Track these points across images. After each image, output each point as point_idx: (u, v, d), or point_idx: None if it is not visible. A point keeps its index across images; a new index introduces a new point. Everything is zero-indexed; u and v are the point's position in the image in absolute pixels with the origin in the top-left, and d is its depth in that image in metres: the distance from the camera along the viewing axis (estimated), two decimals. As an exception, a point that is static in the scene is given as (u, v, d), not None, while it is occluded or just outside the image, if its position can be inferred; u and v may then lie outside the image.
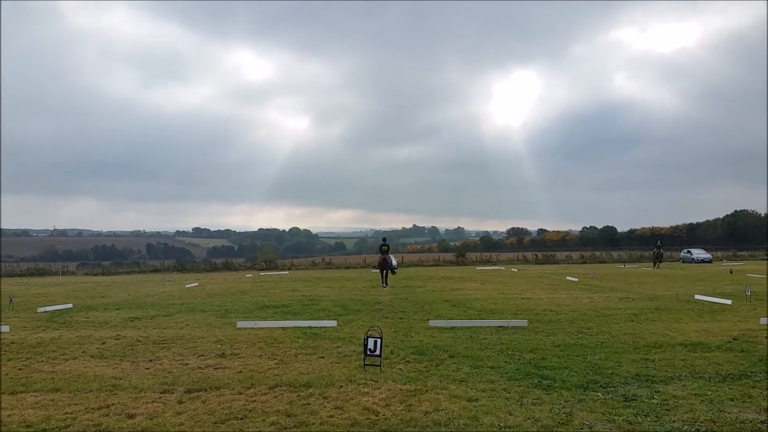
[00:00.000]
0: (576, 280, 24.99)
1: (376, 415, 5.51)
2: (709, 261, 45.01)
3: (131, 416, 5.63)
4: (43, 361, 8.65)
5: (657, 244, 39.44)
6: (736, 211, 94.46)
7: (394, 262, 27.27)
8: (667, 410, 5.55)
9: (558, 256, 52.67)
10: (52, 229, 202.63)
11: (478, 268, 41.00)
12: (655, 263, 38.41)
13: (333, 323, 11.81)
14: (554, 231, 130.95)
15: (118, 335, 11.08)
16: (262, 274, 38.06)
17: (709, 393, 6.13)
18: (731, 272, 28.43)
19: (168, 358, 8.74)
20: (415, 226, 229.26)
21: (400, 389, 6.47)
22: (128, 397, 6.37)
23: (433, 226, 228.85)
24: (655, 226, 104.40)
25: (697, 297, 16.07)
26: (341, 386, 6.67)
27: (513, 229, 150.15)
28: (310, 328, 11.39)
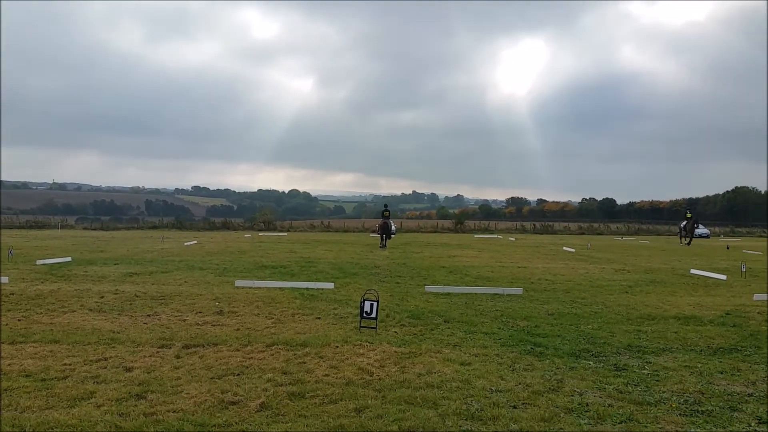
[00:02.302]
0: (573, 250, 25.10)
1: (371, 375, 5.59)
2: (707, 236, 45.08)
3: (129, 369, 5.71)
4: (42, 313, 8.73)
5: (687, 216, 33.48)
6: (736, 187, 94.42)
7: (393, 228, 27.38)
8: (657, 381, 5.64)
9: (556, 226, 52.85)
10: (51, 182, 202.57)
11: (476, 236, 41.13)
12: (684, 237, 32.95)
13: (330, 285, 11.89)
14: (553, 201, 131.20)
15: (116, 290, 11.17)
16: (260, 234, 38.18)
17: (699, 365, 6.22)
18: (728, 248, 28.56)
19: (166, 313, 8.83)
20: (414, 192, 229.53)
21: (395, 351, 6.56)
22: (126, 351, 6.46)
23: (432, 193, 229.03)
24: (654, 199, 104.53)
25: (692, 271, 16.17)
26: (337, 347, 6.76)
27: (512, 198, 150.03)
28: (307, 289, 11.48)
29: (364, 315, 7.65)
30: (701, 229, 47.14)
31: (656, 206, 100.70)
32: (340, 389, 5.16)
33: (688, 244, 31.97)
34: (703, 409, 4.85)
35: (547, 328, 8.05)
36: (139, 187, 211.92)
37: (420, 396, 4.99)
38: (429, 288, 11.67)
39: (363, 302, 7.67)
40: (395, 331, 7.72)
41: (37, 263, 15.91)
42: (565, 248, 26.53)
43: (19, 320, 8.16)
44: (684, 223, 33.37)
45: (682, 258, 22.16)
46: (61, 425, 4.26)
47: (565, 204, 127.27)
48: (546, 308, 9.75)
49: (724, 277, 14.49)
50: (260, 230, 43.95)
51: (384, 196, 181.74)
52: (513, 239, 36.12)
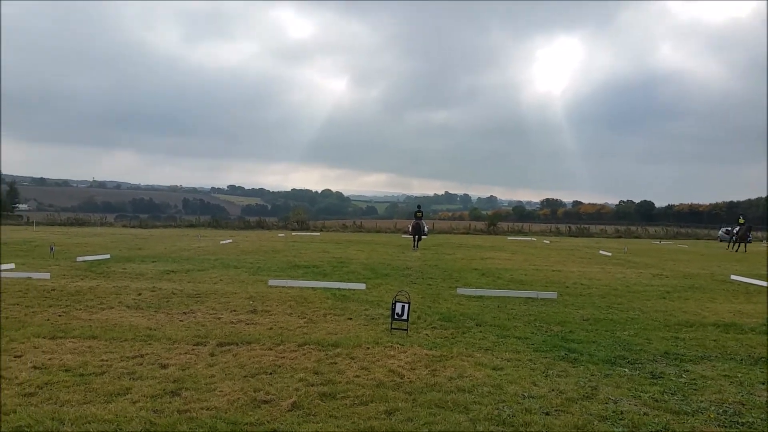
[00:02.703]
0: (609, 254, 24.66)
1: (401, 378, 5.59)
2: (749, 241, 43.73)
3: (164, 366, 5.82)
4: (81, 309, 8.97)
5: (740, 221, 31.16)
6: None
7: (426, 229, 27.35)
8: (695, 390, 5.49)
9: (592, 229, 51.93)
10: (91, 180, 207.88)
11: (509, 238, 40.74)
12: (735, 244, 30.90)
13: (362, 286, 11.93)
14: (590, 203, 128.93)
15: (153, 287, 11.39)
16: (293, 234, 38.50)
17: (739, 375, 6.05)
18: (771, 254, 27.68)
19: (201, 311, 8.98)
20: (447, 193, 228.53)
21: (426, 354, 6.54)
22: (162, 348, 6.58)
23: (465, 194, 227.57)
24: (693, 202, 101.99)
25: (732, 277, 15.72)
26: (368, 348, 6.77)
27: (547, 200, 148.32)
28: (339, 289, 11.54)
29: (396, 317, 7.65)
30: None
31: (695, 209, 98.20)
32: (371, 391, 5.17)
33: (742, 250, 29.83)
34: (743, 420, 4.71)
35: (581, 334, 7.92)
36: (176, 185, 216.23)
37: (451, 400, 4.96)
38: (461, 290, 11.60)
39: (394, 303, 7.66)
40: (426, 334, 7.70)
41: (78, 260, 16.33)
42: (601, 252, 26.08)
43: (59, 316, 8.40)
44: (737, 228, 31.13)
45: (722, 263, 21.57)
46: (98, 420, 4.37)
47: (602, 206, 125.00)
48: (581, 313, 9.60)
49: (766, 283, 14.04)
50: (293, 230, 44.34)
51: (416, 197, 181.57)
52: (547, 242, 35.67)
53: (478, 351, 6.79)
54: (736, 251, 29.57)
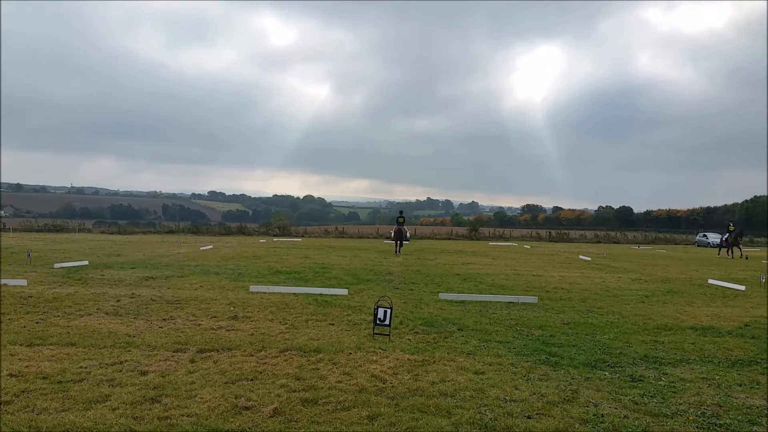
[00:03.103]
0: (589, 259, 24.90)
1: (384, 383, 5.58)
2: (739, 245, 44.26)
3: (144, 373, 5.75)
4: (59, 316, 8.83)
5: (729, 228, 30.58)
6: (755, 196, 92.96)
7: (408, 234, 27.44)
8: (674, 392, 5.56)
9: (572, 234, 52.42)
10: (69, 186, 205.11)
11: (490, 243, 40.96)
12: (728, 250, 30.42)
13: (344, 291, 11.90)
14: (569, 209, 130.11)
15: (132, 294, 11.26)
16: (275, 240, 38.32)
17: (717, 377, 6.13)
18: (746, 258, 28.17)
19: (181, 318, 8.89)
20: (429, 198, 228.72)
21: (408, 359, 6.54)
22: (141, 355, 6.50)
23: (447, 200, 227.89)
24: (672, 208, 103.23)
25: (710, 282, 15.96)
26: (350, 353, 6.75)
27: (528, 205, 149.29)
28: (321, 295, 11.50)
29: (378, 322, 7.64)
30: (719, 239, 46.48)
31: (674, 215, 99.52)
32: (353, 396, 5.16)
33: (740, 256, 29.60)
34: (720, 422, 4.78)
35: (562, 338, 7.98)
36: (156, 191, 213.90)
37: (433, 404, 4.96)
38: (443, 295, 11.63)
39: (377, 309, 7.66)
40: (409, 339, 7.70)
41: (55, 266, 16.09)
42: (581, 257, 26.32)
43: (36, 323, 8.26)
44: (726, 235, 30.83)
45: (700, 268, 21.89)
46: (77, 427, 4.30)
47: (581, 212, 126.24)
48: (561, 317, 9.68)
49: (743, 287, 14.28)
50: (275, 235, 44.13)
51: (398, 203, 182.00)
52: (528, 247, 35.91)
53: (460, 355, 6.81)
54: (732, 257, 29.40)
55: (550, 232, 52.74)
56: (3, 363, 6.02)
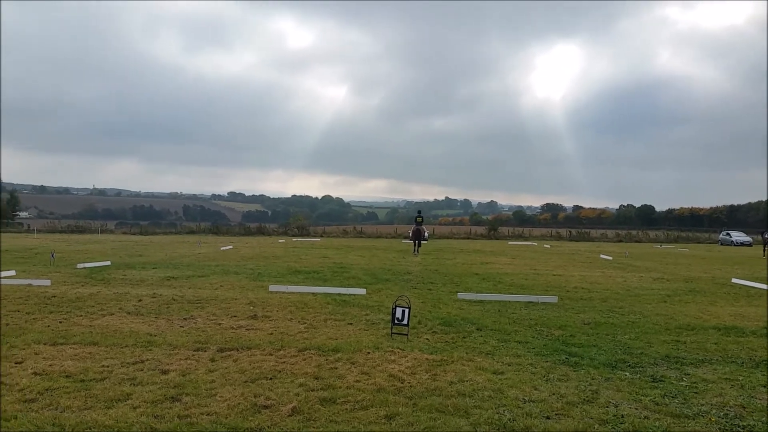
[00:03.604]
0: (610, 258, 24.65)
1: (402, 383, 5.58)
2: (749, 244, 43.66)
3: (165, 372, 5.82)
4: (81, 316, 8.97)
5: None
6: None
7: (426, 234, 27.43)
8: (696, 393, 5.49)
9: (593, 233, 51.94)
10: (92, 188, 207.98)
11: (510, 242, 40.74)
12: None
13: (362, 291, 11.93)
14: (590, 208, 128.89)
15: (154, 293, 11.39)
16: (294, 240, 38.52)
17: (740, 378, 6.04)
18: (772, 257, 27.63)
19: (202, 317, 8.98)
20: (447, 198, 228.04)
21: (426, 359, 6.54)
22: (162, 354, 6.58)
23: (465, 199, 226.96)
24: (694, 206, 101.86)
25: (734, 281, 15.71)
26: (368, 353, 6.76)
27: (547, 204, 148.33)
28: (339, 295, 11.54)
29: (396, 321, 7.65)
30: (743, 237, 45.77)
31: (696, 213, 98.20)
32: (371, 396, 5.16)
33: None
34: (744, 423, 4.70)
35: (582, 338, 7.91)
36: (177, 192, 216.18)
37: (451, 404, 4.95)
38: (462, 295, 11.60)
39: (395, 308, 7.66)
40: (427, 338, 7.69)
41: (78, 267, 16.35)
42: (602, 256, 26.07)
43: (60, 322, 8.40)
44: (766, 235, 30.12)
45: (723, 267, 21.55)
46: (99, 425, 4.36)
47: (602, 211, 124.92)
48: (582, 317, 9.60)
49: (766, 287, 14.03)
50: (294, 235, 44.36)
51: (416, 202, 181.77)
52: (548, 246, 35.65)
53: (479, 355, 6.79)
54: None
55: (570, 231, 52.33)
56: (27, 362, 6.14)
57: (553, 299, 11.27)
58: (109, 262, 17.90)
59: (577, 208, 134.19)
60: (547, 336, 8.01)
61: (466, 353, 6.87)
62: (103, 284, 12.81)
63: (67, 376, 5.62)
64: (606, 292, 13.02)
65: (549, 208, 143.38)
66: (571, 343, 7.58)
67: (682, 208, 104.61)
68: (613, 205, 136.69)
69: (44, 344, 6.94)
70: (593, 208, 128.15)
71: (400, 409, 4.83)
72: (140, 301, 10.49)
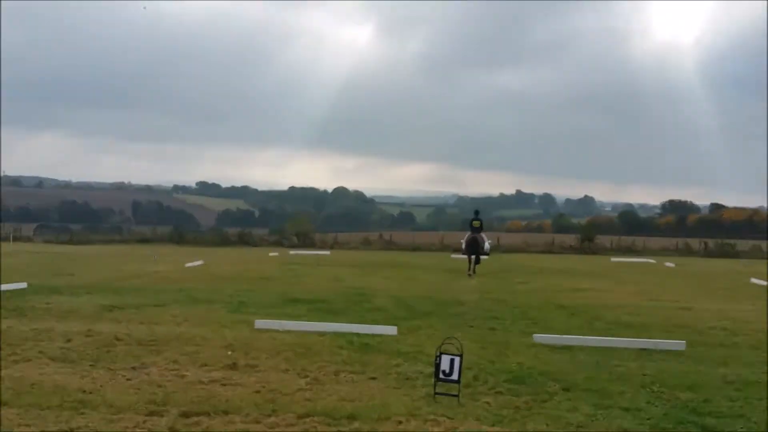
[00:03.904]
0: (765, 283, 24.27)
1: (450, 468, 5.59)
2: None
3: (104, 446, 5.90)
4: (-15, 362, 9.13)
5: None
6: None
7: (487, 245, 27.22)
8: None
9: (740, 246, 51.18)
10: (1, 175, 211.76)
11: (613, 259, 40.40)
12: None
13: (392, 330, 11.94)
14: (736, 207, 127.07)
15: (89, 330, 11.55)
16: (292, 252, 38.74)
17: None
18: None
19: (158, 366, 9.08)
20: (519, 192, 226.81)
21: (488, 432, 6.53)
22: (101, 419, 6.67)
23: (546, 194, 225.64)
24: None
25: None
26: (400, 422, 6.78)
27: (671, 202, 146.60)
28: (358, 335, 11.56)
29: (442, 376, 7.64)
30: None
31: None
32: (405, 486, 5.17)
33: None
34: None
35: (723, 404, 7.82)
36: (123, 182, 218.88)
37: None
38: (539, 338, 11.55)
39: (440, 356, 7.66)
40: (487, 402, 7.68)
41: (-19, 290, 16.60)
42: (753, 280, 25.68)
43: (-46, 371, 8.55)
44: None
45: None
46: None
47: (754, 212, 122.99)
48: (722, 372, 9.48)
49: None
50: (292, 246, 44.60)
51: (473, 198, 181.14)
52: (672, 265, 35.28)
53: (566, 428, 6.75)
54: None
55: (705, 243, 51.63)
56: None
57: (680, 345, 11.15)
58: (25, 284, 18.13)
59: (716, 207, 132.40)
60: (668, 400, 7.95)
61: (547, 425, 6.85)
62: (15, 316, 13.02)
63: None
64: (759, 334, 12.83)
65: (673, 207, 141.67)
66: (706, 411, 7.50)
67: None
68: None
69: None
70: (741, 208, 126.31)
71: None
72: (69, 341, 10.64)
